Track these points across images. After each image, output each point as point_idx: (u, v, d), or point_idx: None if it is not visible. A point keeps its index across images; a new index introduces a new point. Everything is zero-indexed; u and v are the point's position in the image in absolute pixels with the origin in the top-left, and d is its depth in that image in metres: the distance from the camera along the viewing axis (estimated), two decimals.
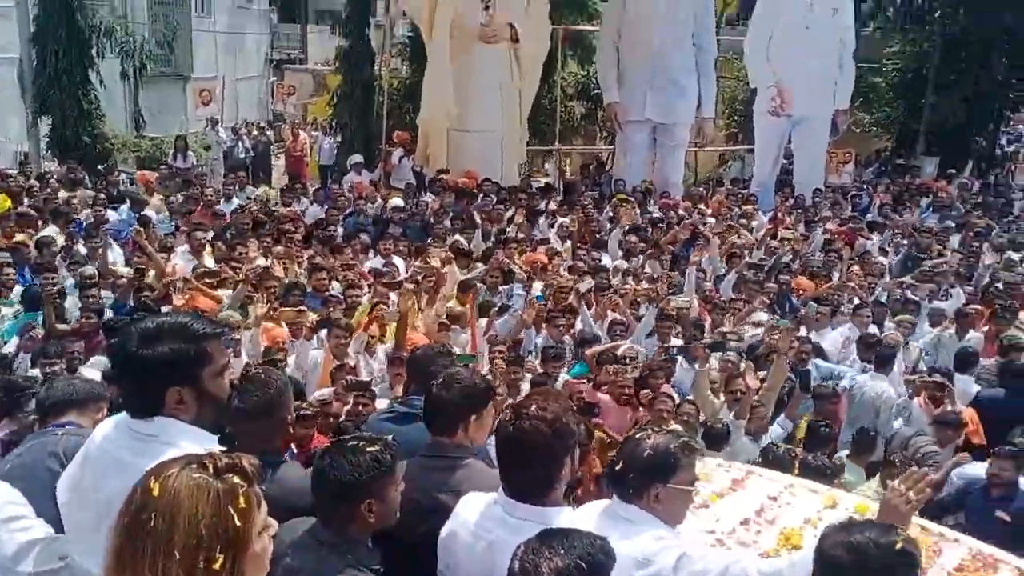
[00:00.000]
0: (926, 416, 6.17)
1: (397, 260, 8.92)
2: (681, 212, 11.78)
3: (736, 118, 19.15)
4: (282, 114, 20.24)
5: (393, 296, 7.15)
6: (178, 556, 1.45)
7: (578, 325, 7.49)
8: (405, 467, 2.59)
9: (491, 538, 2.36)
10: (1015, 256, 10.40)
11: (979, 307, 8.26)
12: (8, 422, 4.47)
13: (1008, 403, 6.32)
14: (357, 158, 13.96)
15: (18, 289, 7.40)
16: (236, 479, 1.54)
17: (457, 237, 9.66)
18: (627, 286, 8.31)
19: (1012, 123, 22.62)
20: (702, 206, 12.31)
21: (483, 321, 7.47)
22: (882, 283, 9.15)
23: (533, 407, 2.37)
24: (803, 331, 7.52)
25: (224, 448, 1.93)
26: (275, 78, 24.99)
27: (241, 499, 1.52)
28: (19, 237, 8.62)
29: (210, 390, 2.19)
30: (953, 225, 12.21)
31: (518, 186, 13.01)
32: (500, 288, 8.30)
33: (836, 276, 9.25)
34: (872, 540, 2.06)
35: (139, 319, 2.35)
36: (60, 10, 13.48)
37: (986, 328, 7.78)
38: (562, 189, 14.24)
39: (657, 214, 11.74)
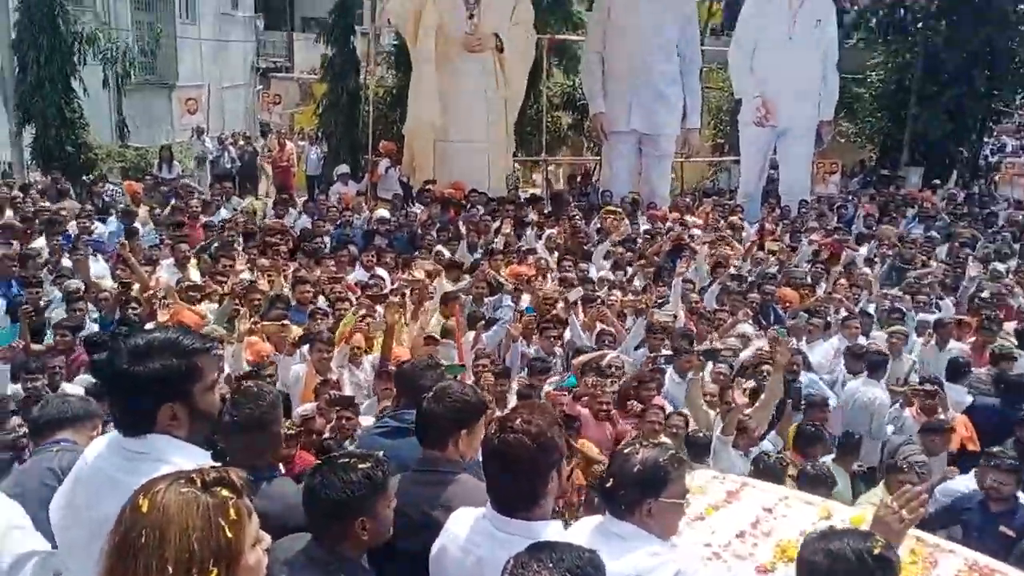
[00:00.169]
0: (918, 425, 6.17)
1: (381, 272, 8.86)
2: (669, 223, 11.80)
3: (722, 129, 19.24)
4: (268, 123, 20.12)
5: (379, 308, 7.10)
6: (171, 571, 1.44)
7: (567, 335, 7.47)
8: (398, 481, 2.65)
9: (480, 553, 2.35)
10: (1000, 267, 10.47)
11: (966, 318, 8.33)
12: None
13: (1002, 413, 6.35)
14: (343, 169, 13.91)
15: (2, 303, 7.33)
16: (225, 492, 1.54)
17: (439, 248, 9.61)
18: (613, 297, 8.29)
19: (996, 134, 22.86)
20: (688, 216, 12.34)
21: (471, 334, 7.44)
22: (864, 295, 9.18)
23: (518, 420, 2.36)
24: (792, 342, 7.53)
25: (217, 464, 1.90)
26: (261, 87, 24.88)
27: (231, 511, 1.52)
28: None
29: (201, 406, 2.17)
30: (938, 236, 12.30)
31: (505, 197, 13.00)
32: (485, 300, 8.26)
33: (822, 287, 9.28)
34: (850, 546, 2.11)
35: (127, 335, 2.33)
36: (42, 17, 13.35)
37: (972, 339, 7.81)
38: (549, 200, 14.22)
39: (646, 226, 11.74)
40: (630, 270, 9.56)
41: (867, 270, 10.10)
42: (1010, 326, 8.28)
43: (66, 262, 8.41)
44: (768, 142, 14.64)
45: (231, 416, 2.68)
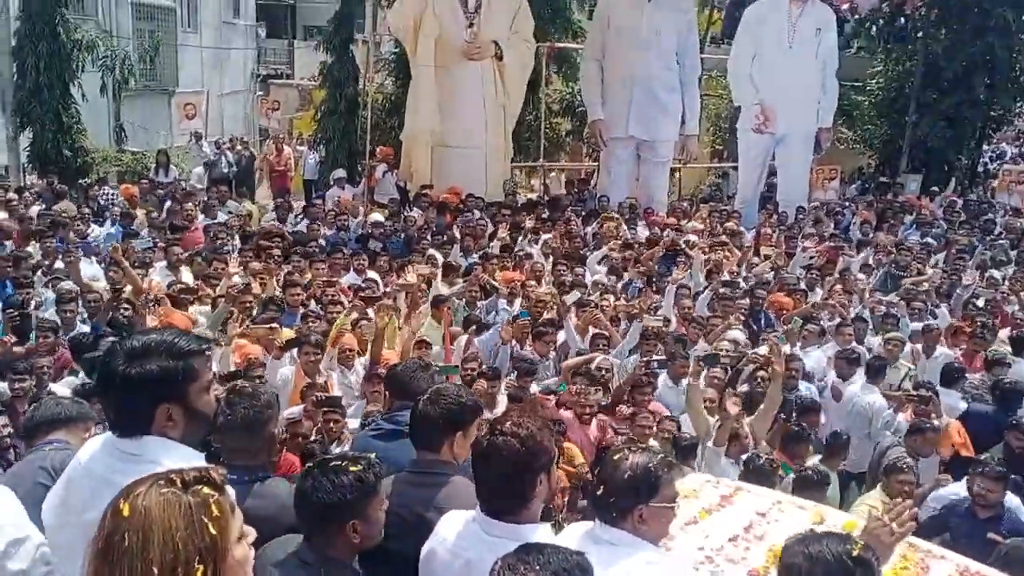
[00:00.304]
0: None
1: (374, 276, 8.85)
2: (668, 230, 11.75)
3: (720, 135, 19.22)
4: (268, 129, 20.16)
5: (370, 311, 7.09)
6: (156, 572, 1.44)
7: (560, 338, 7.44)
8: (392, 483, 2.67)
9: (468, 556, 2.35)
10: (997, 274, 10.43)
11: (962, 324, 8.30)
12: None
13: (996, 419, 6.34)
14: (340, 173, 13.92)
15: None
16: (206, 490, 1.53)
17: (432, 252, 9.60)
18: (606, 302, 8.26)
19: (995, 141, 22.83)
20: (685, 222, 12.31)
21: (463, 337, 7.42)
22: (856, 300, 9.15)
23: (508, 423, 2.36)
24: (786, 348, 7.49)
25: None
26: (261, 93, 24.95)
27: (214, 508, 1.52)
28: None
29: (197, 406, 2.18)
30: (934, 243, 12.26)
31: (502, 202, 12.99)
32: (479, 304, 8.24)
33: (817, 293, 9.24)
34: (830, 549, 2.12)
35: (123, 337, 2.33)
36: (42, 24, 13.40)
37: (964, 346, 7.78)
38: (547, 205, 14.20)
39: (645, 232, 11.70)
40: (626, 275, 9.53)
41: (861, 276, 10.06)
42: (1005, 332, 8.24)
43: (59, 263, 8.43)
44: (767, 149, 14.61)
45: (225, 416, 2.69)
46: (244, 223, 10.94)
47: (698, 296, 8.77)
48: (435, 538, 2.48)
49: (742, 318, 8.08)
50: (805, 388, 6.92)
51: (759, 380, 6.55)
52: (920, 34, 18.32)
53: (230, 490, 1.62)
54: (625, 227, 11.49)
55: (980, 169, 20.23)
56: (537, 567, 1.86)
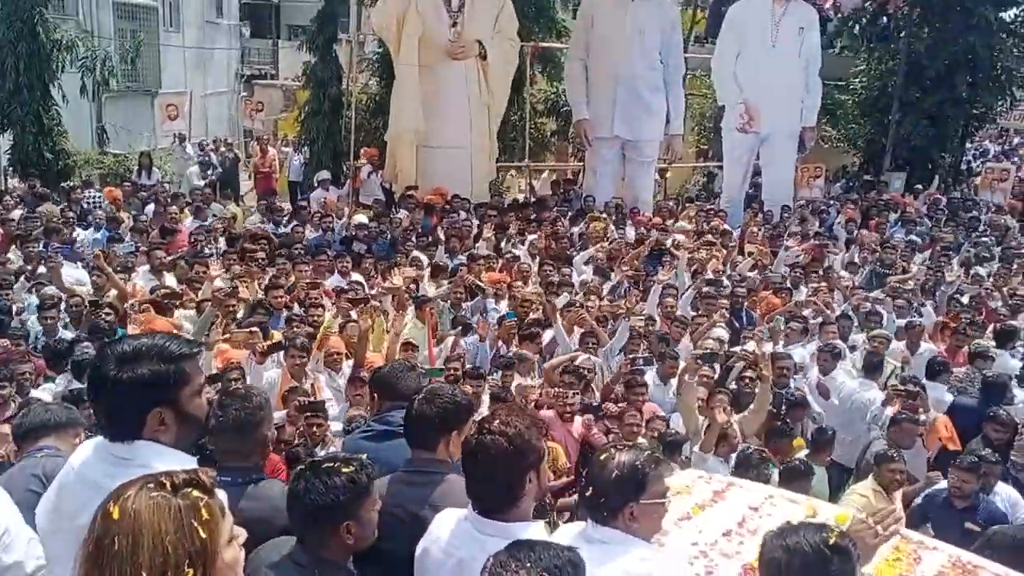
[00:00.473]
0: None
1: (358, 278, 8.80)
2: (653, 230, 11.76)
3: (705, 135, 19.26)
4: (252, 130, 20.06)
5: (353, 314, 7.06)
6: (145, 575, 1.44)
7: (546, 338, 7.43)
8: (386, 482, 2.70)
9: (460, 555, 2.36)
10: (982, 271, 10.50)
11: (947, 320, 8.35)
12: None
13: (981, 411, 6.40)
14: (324, 175, 13.84)
15: None
16: (196, 493, 1.53)
17: (416, 254, 9.57)
18: (591, 302, 8.26)
19: (978, 139, 23.01)
20: (671, 222, 12.32)
21: (449, 339, 7.40)
22: (839, 297, 9.18)
23: (496, 422, 2.38)
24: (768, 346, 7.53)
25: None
26: (245, 94, 24.81)
27: (204, 511, 1.52)
28: None
29: (189, 410, 2.18)
30: (919, 240, 12.34)
31: (488, 203, 12.97)
32: (464, 305, 8.21)
33: (801, 292, 9.26)
34: (807, 539, 2.15)
35: (110, 342, 2.30)
36: (21, 25, 13.24)
37: (946, 343, 7.84)
38: (533, 206, 14.18)
39: (633, 232, 11.70)
40: (613, 276, 9.53)
41: (844, 273, 10.10)
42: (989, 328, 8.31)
43: (42, 268, 8.36)
44: (751, 148, 14.65)
45: (217, 418, 2.70)
46: (228, 225, 10.87)
47: (682, 295, 8.77)
48: (428, 537, 2.48)
49: (726, 316, 8.10)
50: (795, 385, 6.95)
51: (747, 380, 6.58)
52: (903, 33, 18.43)
53: (220, 493, 1.62)
54: (613, 227, 11.47)
55: (963, 167, 20.38)
56: (528, 564, 1.86)
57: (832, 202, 15.15)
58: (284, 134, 20.13)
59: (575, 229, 11.77)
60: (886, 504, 4.94)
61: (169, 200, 11.77)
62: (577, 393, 5.97)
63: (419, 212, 11.72)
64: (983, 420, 6.16)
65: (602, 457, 2.46)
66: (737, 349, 7.28)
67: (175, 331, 6.56)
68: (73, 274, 8.46)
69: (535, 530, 2.35)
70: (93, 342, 6.46)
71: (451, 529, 2.44)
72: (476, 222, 11.60)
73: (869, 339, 7.63)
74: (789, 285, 9.32)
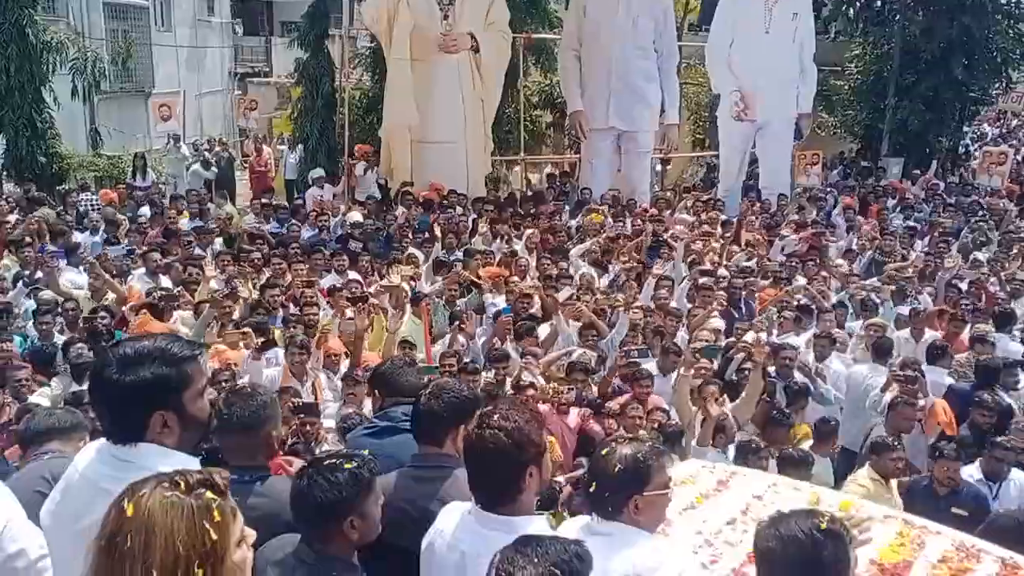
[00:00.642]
0: None
1: (355, 276, 8.78)
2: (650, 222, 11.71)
3: (701, 124, 19.20)
4: (246, 129, 19.97)
5: (349, 312, 7.05)
6: (156, 574, 1.47)
7: (542, 333, 7.41)
8: (394, 477, 2.74)
9: (463, 548, 2.38)
10: (981, 256, 10.47)
11: (945, 307, 8.33)
12: None
13: (973, 396, 6.39)
14: (318, 172, 13.78)
15: None
16: (209, 494, 1.56)
17: (412, 251, 9.53)
18: (587, 295, 8.24)
19: (976, 122, 22.92)
20: (668, 213, 12.28)
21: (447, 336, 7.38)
22: (835, 285, 9.14)
23: (496, 417, 2.39)
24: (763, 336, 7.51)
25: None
26: (239, 92, 24.72)
27: (216, 513, 1.55)
28: None
29: (192, 412, 2.18)
30: (917, 226, 12.31)
31: (484, 197, 12.93)
32: (459, 302, 8.18)
33: (799, 281, 9.23)
34: (799, 527, 2.14)
35: (116, 345, 2.27)
36: (10, 27, 13.16)
37: (943, 331, 7.84)
38: (529, 200, 14.13)
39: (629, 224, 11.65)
40: (611, 268, 9.50)
41: (840, 261, 10.07)
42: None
43: (39, 273, 8.33)
44: (747, 136, 14.61)
45: (224, 416, 2.71)
46: (224, 226, 10.83)
47: (677, 286, 8.75)
48: (434, 530, 2.50)
49: (723, 306, 8.08)
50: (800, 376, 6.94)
51: (746, 372, 6.57)
52: (897, 16, 18.35)
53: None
54: (611, 220, 11.42)
55: (961, 151, 20.31)
56: (536, 559, 1.87)
57: (829, 190, 15.10)
58: (280, 132, 20.06)
59: (572, 222, 11.73)
60: (885, 493, 4.96)
61: (166, 202, 11.74)
62: (572, 388, 5.96)
63: (417, 208, 11.69)
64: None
65: (604, 452, 2.47)
66: (732, 339, 7.27)
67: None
68: (76, 279, 8.44)
69: (537, 524, 2.36)
70: (88, 344, 6.47)
71: (455, 522, 2.45)
72: (473, 216, 11.55)
73: (866, 327, 7.63)
74: (786, 275, 9.29)
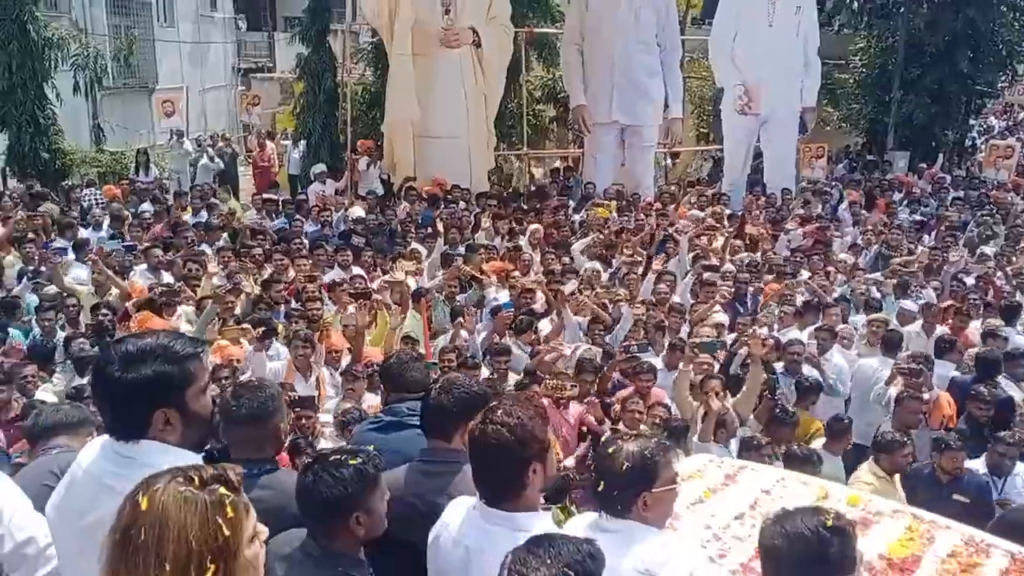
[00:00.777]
0: None
1: (359, 272, 8.77)
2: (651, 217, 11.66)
3: (705, 118, 19.13)
4: (249, 125, 19.96)
5: (351, 308, 7.04)
6: (168, 569, 1.48)
7: (543, 330, 7.38)
8: (404, 472, 2.76)
9: (467, 543, 2.39)
10: (988, 250, 10.42)
11: (951, 302, 8.30)
12: None
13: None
14: (320, 167, 13.77)
15: None
16: (223, 490, 1.57)
17: (415, 246, 9.51)
18: (586, 291, 8.22)
19: (983, 115, 22.78)
20: (672, 207, 12.24)
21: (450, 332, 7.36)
22: (840, 279, 9.10)
23: (499, 412, 2.38)
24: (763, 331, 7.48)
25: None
26: (242, 87, 24.70)
27: (229, 509, 1.56)
28: None
29: (194, 409, 2.18)
30: (925, 220, 12.25)
31: (488, 192, 12.91)
32: (458, 297, 8.16)
33: (804, 275, 9.20)
34: (804, 524, 2.15)
35: (118, 342, 2.27)
36: (12, 24, 13.15)
37: (948, 325, 7.81)
38: (532, 195, 14.10)
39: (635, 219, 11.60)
40: (614, 262, 9.47)
41: (844, 256, 10.02)
42: None
43: (43, 268, 8.36)
44: (751, 130, 14.56)
45: (233, 408, 2.73)
46: (227, 222, 10.83)
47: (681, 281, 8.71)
48: (440, 524, 2.51)
49: (725, 300, 8.04)
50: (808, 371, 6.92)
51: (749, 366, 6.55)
52: (902, 9, 18.25)
53: None
54: (616, 215, 11.38)
55: (968, 144, 20.20)
56: (549, 560, 1.86)
57: (835, 184, 15.03)
58: (283, 128, 20.04)
59: (576, 217, 11.69)
60: (891, 488, 4.93)
61: (169, 197, 11.74)
62: (576, 386, 5.95)
63: (421, 203, 11.67)
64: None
65: (610, 450, 2.46)
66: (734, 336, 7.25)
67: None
68: (82, 275, 8.47)
69: (543, 520, 2.36)
70: (91, 340, 6.50)
71: (460, 518, 2.46)
72: (476, 211, 11.53)
73: (868, 322, 7.59)
74: (790, 270, 9.25)
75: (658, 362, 6.82)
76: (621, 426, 5.77)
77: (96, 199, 12.21)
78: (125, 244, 9.49)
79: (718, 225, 10.79)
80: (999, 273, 9.46)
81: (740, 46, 14.08)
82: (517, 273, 8.74)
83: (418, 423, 2.94)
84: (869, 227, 11.40)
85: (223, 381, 5.20)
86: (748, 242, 10.37)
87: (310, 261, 8.87)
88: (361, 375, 5.95)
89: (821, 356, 7.08)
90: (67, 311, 7.35)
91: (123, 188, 12.79)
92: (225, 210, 11.49)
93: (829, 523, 2.14)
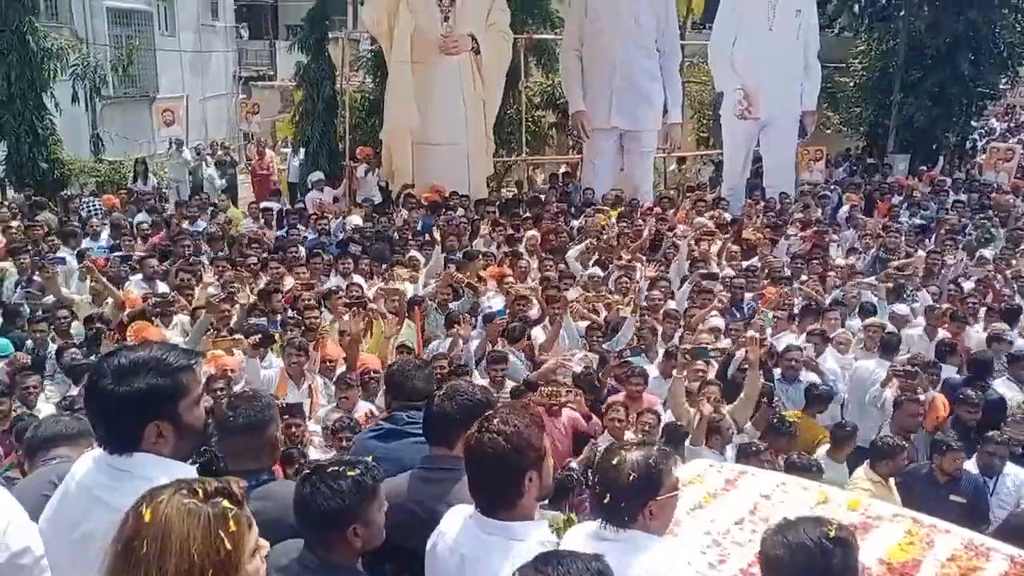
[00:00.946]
0: None
1: (357, 279, 8.75)
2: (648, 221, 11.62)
3: (705, 123, 19.10)
4: (249, 133, 19.99)
5: (346, 316, 7.02)
6: None
7: (539, 339, 7.34)
8: (405, 479, 2.76)
9: (463, 552, 2.38)
10: (987, 254, 10.36)
11: (949, 306, 8.25)
12: None
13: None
14: (317, 175, 13.77)
15: None
16: (226, 503, 1.57)
17: (413, 253, 9.49)
18: (578, 296, 8.19)
19: (984, 117, 22.72)
20: (671, 212, 12.21)
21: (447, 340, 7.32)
22: (831, 283, 9.07)
23: (496, 421, 2.37)
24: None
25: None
26: (243, 96, 24.75)
27: (231, 522, 1.56)
28: None
29: (187, 421, 2.17)
30: (925, 223, 12.19)
31: (486, 199, 12.88)
32: (451, 305, 8.13)
33: (803, 280, 9.15)
34: (807, 535, 2.14)
35: (111, 355, 2.26)
36: (11, 34, 13.19)
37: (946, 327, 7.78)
38: (530, 202, 14.07)
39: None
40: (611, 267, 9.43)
41: (842, 262, 9.97)
42: None
43: (37, 278, 8.33)
44: (751, 135, 14.52)
45: (230, 418, 2.73)
46: (225, 230, 10.82)
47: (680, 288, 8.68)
48: (437, 532, 2.50)
49: (724, 302, 8.03)
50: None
51: (745, 371, 6.50)
52: (902, 11, 18.21)
53: None
54: (614, 221, 11.34)
55: (968, 147, 20.15)
56: None
57: (834, 187, 14.99)
58: (284, 136, 20.06)
59: (575, 223, 11.66)
60: (886, 492, 4.89)
61: (168, 206, 11.73)
62: (571, 390, 5.91)
63: (419, 211, 11.65)
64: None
65: (614, 461, 2.42)
66: (728, 342, 7.21)
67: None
68: (83, 285, 8.45)
69: (539, 530, 2.36)
70: (85, 350, 6.49)
71: (457, 526, 2.45)
72: (475, 218, 11.50)
73: (864, 327, 7.56)
74: (790, 275, 9.21)
75: (653, 369, 6.79)
76: (607, 434, 5.75)
77: (95, 208, 12.21)
78: (119, 255, 9.46)
79: (715, 230, 10.74)
80: (998, 276, 9.40)
81: (740, 50, 14.05)
82: (511, 279, 8.69)
83: (417, 431, 2.94)
84: (867, 231, 11.34)
85: (218, 392, 5.17)
86: (745, 247, 10.31)
87: (307, 270, 8.85)
88: (355, 383, 5.93)
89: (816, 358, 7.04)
90: (58, 323, 7.30)
91: (121, 197, 12.79)
92: (222, 219, 11.48)
93: (832, 534, 2.13)
